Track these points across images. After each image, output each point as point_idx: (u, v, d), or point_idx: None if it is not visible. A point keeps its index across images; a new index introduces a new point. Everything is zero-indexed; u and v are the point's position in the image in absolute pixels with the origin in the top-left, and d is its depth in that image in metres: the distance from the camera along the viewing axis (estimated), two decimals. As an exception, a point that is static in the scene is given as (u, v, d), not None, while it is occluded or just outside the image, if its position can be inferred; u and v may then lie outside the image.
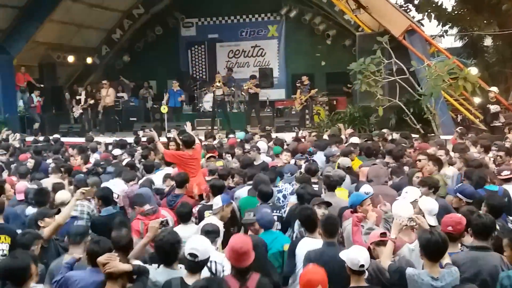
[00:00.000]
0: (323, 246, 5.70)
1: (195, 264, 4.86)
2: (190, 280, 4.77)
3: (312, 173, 8.69)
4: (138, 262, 5.04)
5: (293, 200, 7.81)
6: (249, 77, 20.61)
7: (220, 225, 6.36)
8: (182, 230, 6.22)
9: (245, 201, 7.99)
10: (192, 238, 5.09)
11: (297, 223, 6.88)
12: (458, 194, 6.99)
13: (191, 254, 4.85)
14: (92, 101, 20.97)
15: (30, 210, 7.69)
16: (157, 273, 5.08)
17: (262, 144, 12.11)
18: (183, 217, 6.88)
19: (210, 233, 5.81)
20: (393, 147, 11.04)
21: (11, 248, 6.05)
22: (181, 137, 10.54)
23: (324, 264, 4.95)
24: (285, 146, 12.40)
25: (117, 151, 12.65)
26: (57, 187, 8.27)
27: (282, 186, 8.63)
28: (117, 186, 8.87)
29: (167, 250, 5.07)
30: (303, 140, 14.07)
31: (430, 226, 5.77)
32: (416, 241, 5.50)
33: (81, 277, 4.96)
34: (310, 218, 6.21)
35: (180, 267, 5.08)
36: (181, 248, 5.13)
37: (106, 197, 7.47)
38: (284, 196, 8.41)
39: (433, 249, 4.94)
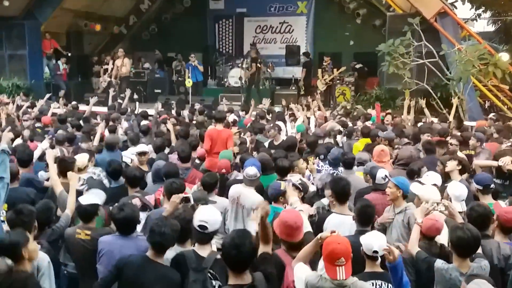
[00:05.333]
0: (354, 235, 5.24)
1: (204, 236, 4.79)
2: (202, 252, 4.74)
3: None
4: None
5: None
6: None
7: None
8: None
9: (264, 180, 7.46)
10: (201, 210, 4.95)
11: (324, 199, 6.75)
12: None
13: (200, 226, 4.76)
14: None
15: (44, 174, 7.68)
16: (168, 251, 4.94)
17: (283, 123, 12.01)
18: (208, 186, 6.88)
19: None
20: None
21: None
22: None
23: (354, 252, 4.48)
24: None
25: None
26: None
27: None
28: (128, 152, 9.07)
29: (182, 227, 4.92)
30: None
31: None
32: (444, 233, 5.35)
33: (115, 241, 5.22)
34: (344, 190, 6.05)
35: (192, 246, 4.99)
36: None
37: (114, 171, 7.48)
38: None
39: (465, 247, 4.78)
